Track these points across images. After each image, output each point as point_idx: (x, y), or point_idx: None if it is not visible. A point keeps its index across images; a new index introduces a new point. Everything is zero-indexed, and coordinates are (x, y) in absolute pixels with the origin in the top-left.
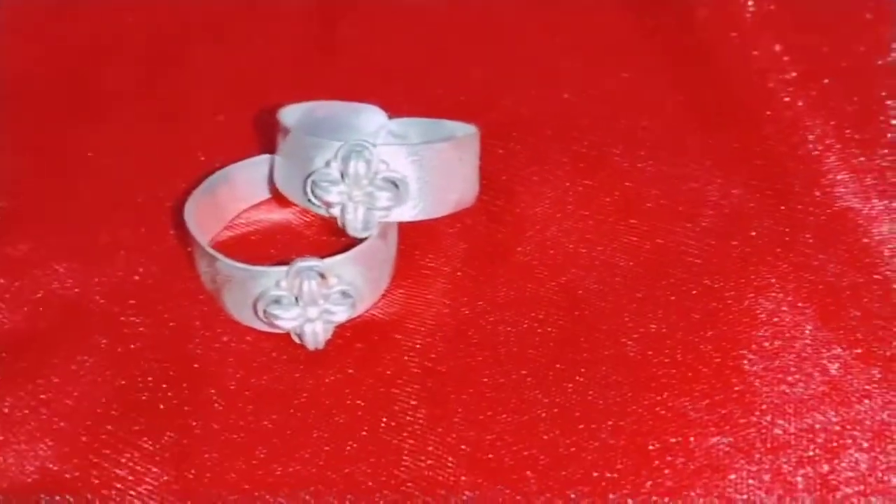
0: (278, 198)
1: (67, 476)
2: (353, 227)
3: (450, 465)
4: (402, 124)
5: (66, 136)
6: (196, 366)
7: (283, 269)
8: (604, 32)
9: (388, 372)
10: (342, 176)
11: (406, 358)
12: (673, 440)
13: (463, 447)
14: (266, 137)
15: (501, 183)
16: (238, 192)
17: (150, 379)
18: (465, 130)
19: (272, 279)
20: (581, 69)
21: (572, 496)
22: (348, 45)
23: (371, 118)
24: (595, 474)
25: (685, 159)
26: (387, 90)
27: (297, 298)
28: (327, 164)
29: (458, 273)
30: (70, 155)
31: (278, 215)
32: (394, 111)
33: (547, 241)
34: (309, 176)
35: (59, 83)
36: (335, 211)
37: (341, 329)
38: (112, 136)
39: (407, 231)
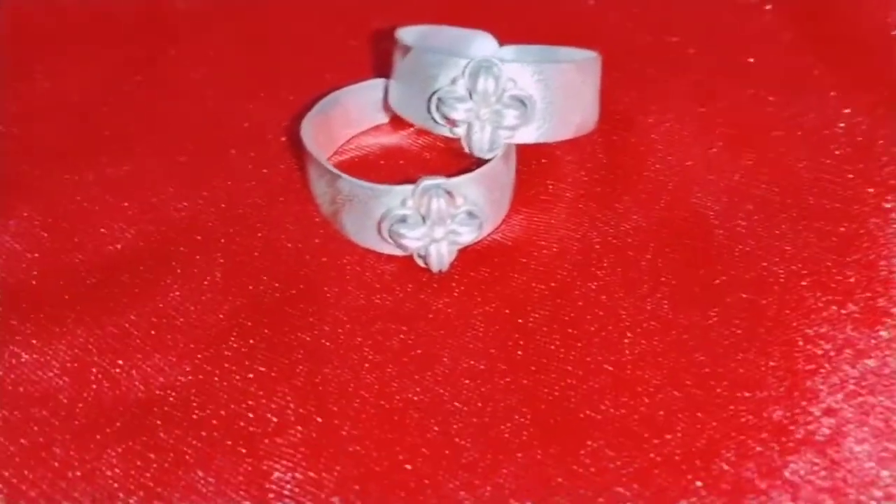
0: (394, 122)
1: (194, 392)
2: (479, 147)
3: (595, 387)
4: (514, 51)
5: (165, 58)
6: (316, 287)
7: (409, 187)
8: None
9: (519, 295)
10: (469, 94)
11: (534, 282)
12: (820, 353)
13: (607, 367)
14: (379, 60)
15: (618, 111)
16: (350, 115)
17: (270, 297)
18: (584, 55)
19: (397, 198)
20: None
21: (724, 415)
22: None
23: (483, 45)
24: (746, 394)
25: (807, 90)
26: (495, 18)
27: (423, 218)
28: (453, 81)
29: (580, 199)
30: (172, 77)
31: (388, 139)
32: (504, 40)
33: (670, 168)
34: (434, 94)
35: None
36: (460, 130)
37: (463, 252)
38: (214, 58)
39: (524, 157)
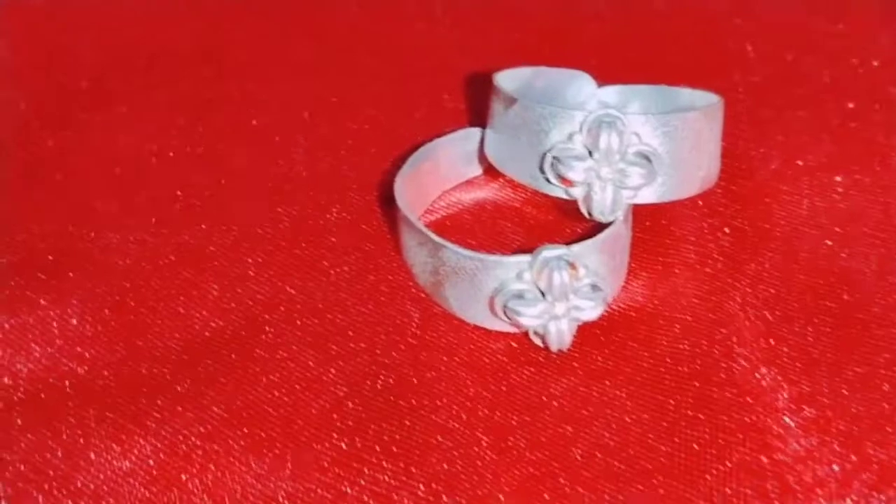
0: (488, 173)
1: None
2: (600, 210)
3: (747, 493)
4: (617, 92)
5: (230, 105)
6: (422, 372)
7: (525, 258)
8: None
9: (653, 379)
10: (589, 151)
11: (668, 360)
12: None
13: (763, 465)
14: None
15: (735, 156)
16: (440, 169)
17: (371, 386)
18: (704, 98)
19: (512, 270)
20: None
21: None
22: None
23: (582, 87)
24: None
25: None
26: (583, 53)
27: (542, 292)
28: (569, 137)
29: (706, 261)
30: (227, 126)
31: (484, 194)
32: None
33: (804, 222)
34: (547, 152)
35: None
36: (577, 191)
37: (582, 328)
38: (285, 108)
39: (639, 212)
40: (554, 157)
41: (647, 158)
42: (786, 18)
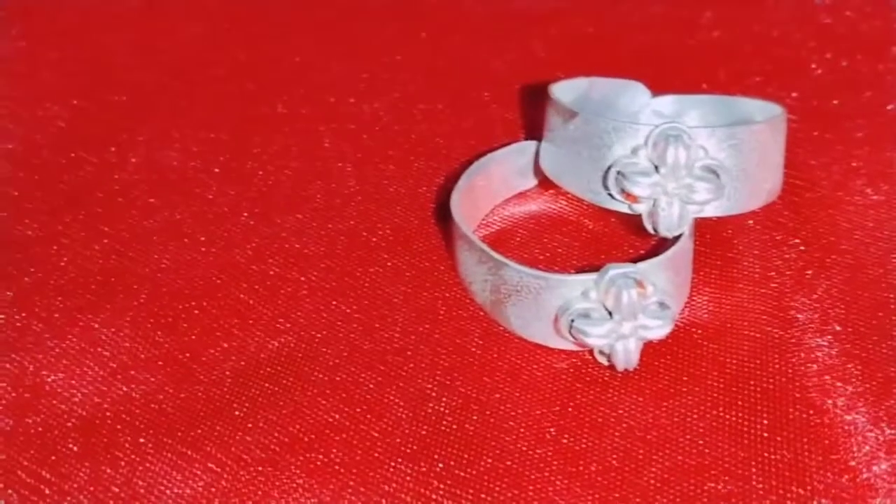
0: (543, 186)
1: None
2: (667, 226)
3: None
4: (673, 102)
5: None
6: (486, 394)
7: (590, 277)
8: None
9: (724, 396)
10: (655, 166)
11: (739, 378)
12: None
13: (844, 481)
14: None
15: (795, 166)
16: (493, 184)
17: (434, 409)
18: (766, 109)
19: (577, 289)
20: (857, 31)
21: None
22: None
23: (636, 96)
24: None
25: None
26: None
27: (609, 311)
28: (633, 151)
29: (772, 275)
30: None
31: (538, 206)
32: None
33: (871, 234)
34: (611, 166)
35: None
36: (642, 207)
37: (647, 346)
38: (340, 121)
39: (699, 225)
40: (618, 172)
41: (715, 173)
42: (842, 25)
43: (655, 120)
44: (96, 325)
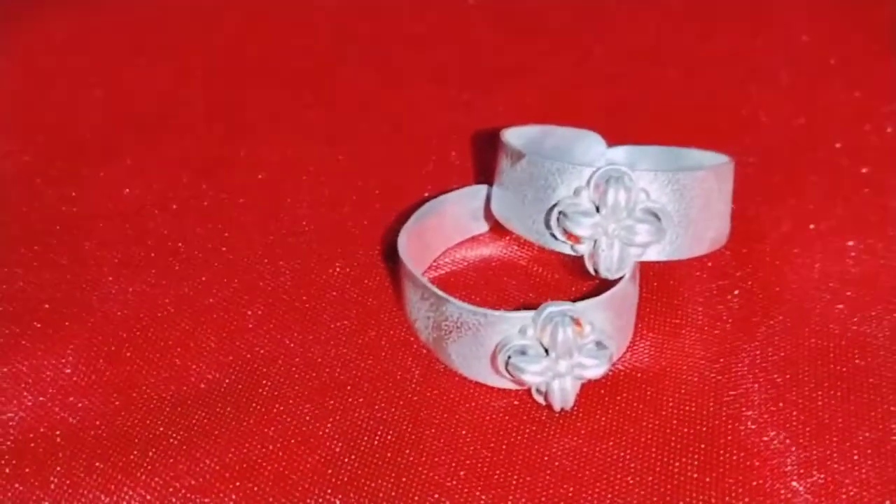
0: (494, 231)
1: None
2: (607, 267)
3: None
4: (626, 152)
5: (237, 161)
6: (421, 429)
7: (528, 314)
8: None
9: (658, 439)
10: (596, 207)
11: (674, 422)
12: None
13: None
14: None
15: (746, 218)
16: (446, 226)
17: (368, 442)
18: (714, 159)
19: (515, 326)
20: (815, 91)
21: None
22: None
23: (591, 146)
24: None
25: None
26: (592, 113)
27: (546, 349)
28: (576, 192)
29: (715, 322)
30: (243, 182)
31: (489, 251)
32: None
33: (816, 286)
34: (553, 206)
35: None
36: (583, 248)
37: (585, 387)
38: (294, 161)
39: (646, 271)
40: (560, 213)
41: (656, 216)
42: (799, 85)
43: None
44: (39, 353)
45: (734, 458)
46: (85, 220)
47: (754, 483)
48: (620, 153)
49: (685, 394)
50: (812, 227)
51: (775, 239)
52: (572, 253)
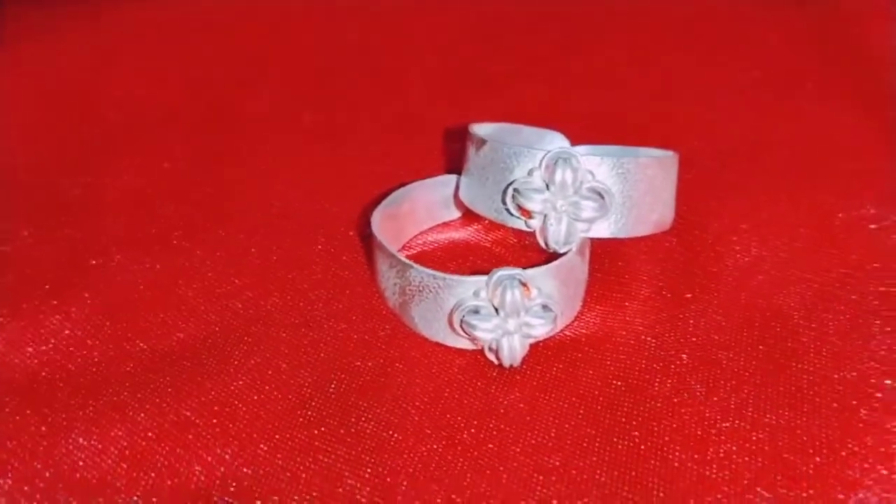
0: (464, 218)
1: (255, 483)
2: (555, 239)
3: (679, 486)
4: (588, 150)
5: (235, 153)
6: (383, 379)
7: (482, 278)
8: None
9: (594, 392)
10: (546, 185)
11: (609, 378)
12: None
13: (691, 466)
14: (448, 158)
15: (695, 210)
16: (418, 211)
17: (336, 389)
18: (662, 153)
19: (470, 289)
20: (770, 101)
21: None
22: (519, 73)
23: (554, 144)
24: (840, 496)
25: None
26: (566, 118)
27: (496, 309)
28: (530, 172)
29: (656, 296)
30: (242, 171)
31: (458, 235)
32: (576, 141)
33: (749, 268)
34: (509, 185)
35: (220, 111)
36: (535, 222)
37: (535, 348)
38: (284, 153)
39: (599, 254)
40: (515, 190)
41: (601, 195)
42: (758, 97)
43: None
44: (46, 310)
45: (660, 406)
46: (94, 202)
47: (675, 425)
48: (583, 150)
49: (622, 355)
50: (750, 221)
51: (718, 229)
52: (526, 228)
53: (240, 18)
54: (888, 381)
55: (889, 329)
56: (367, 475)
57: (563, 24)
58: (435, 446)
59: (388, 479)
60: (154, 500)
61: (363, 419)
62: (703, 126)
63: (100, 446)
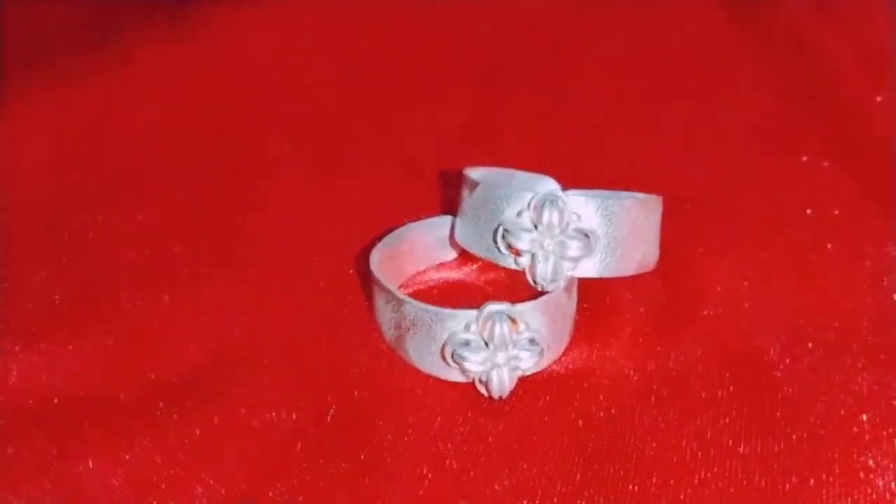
0: (461, 259)
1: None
2: (543, 277)
3: None
4: (577, 195)
5: (241, 193)
6: (379, 409)
7: (473, 312)
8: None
9: (578, 422)
10: (535, 225)
11: (593, 408)
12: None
13: (667, 490)
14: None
15: (678, 254)
16: (416, 251)
17: (334, 416)
18: (649, 196)
19: (461, 322)
20: (753, 148)
21: None
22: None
23: (546, 188)
24: None
25: (864, 240)
26: (558, 164)
27: (486, 343)
28: (519, 213)
29: (640, 334)
30: (247, 211)
31: (453, 275)
32: (568, 185)
33: (728, 309)
34: (500, 225)
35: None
36: (524, 260)
37: (524, 381)
38: (287, 193)
39: (587, 295)
40: (505, 230)
41: (586, 235)
42: (737, 142)
43: None
44: (57, 344)
45: (640, 435)
46: (108, 239)
47: (653, 454)
48: (571, 195)
49: (605, 387)
50: (735, 262)
51: (701, 270)
52: (516, 266)
53: (247, 60)
54: (864, 416)
55: (860, 365)
56: (359, 498)
57: (556, 71)
58: (424, 472)
59: (380, 503)
60: None
61: (358, 446)
62: (689, 171)
63: (108, 468)
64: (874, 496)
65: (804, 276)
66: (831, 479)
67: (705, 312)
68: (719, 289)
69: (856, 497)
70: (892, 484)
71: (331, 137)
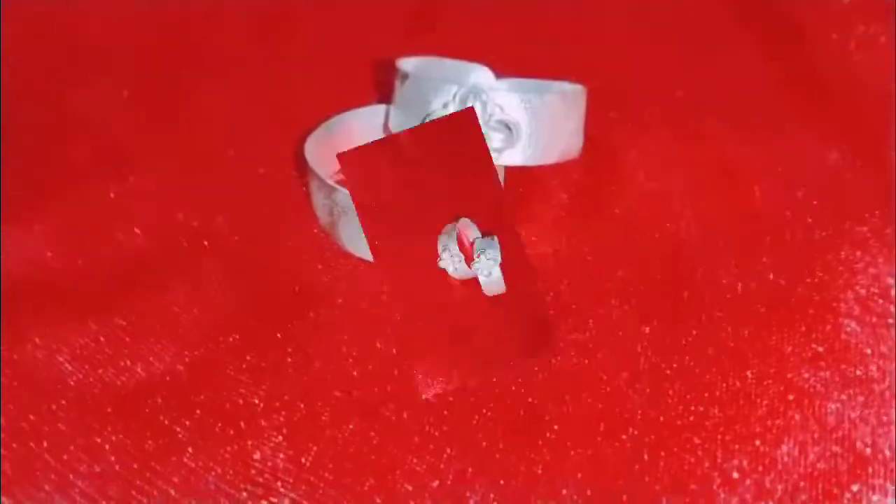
0: None
1: (189, 379)
2: None
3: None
4: (508, 83)
5: (188, 84)
6: (310, 291)
7: None
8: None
9: None
10: None
11: None
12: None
13: (574, 361)
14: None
15: (604, 143)
16: (353, 138)
17: (267, 298)
18: (572, 88)
19: None
20: (680, 50)
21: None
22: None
23: (479, 77)
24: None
25: (783, 132)
26: (494, 52)
27: None
28: (444, 105)
29: (560, 219)
30: (186, 105)
31: None
32: (502, 73)
33: (647, 196)
34: (427, 116)
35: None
36: None
37: None
38: (232, 84)
39: (515, 180)
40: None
41: (508, 127)
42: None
43: None
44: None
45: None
46: (57, 130)
47: (563, 336)
48: (503, 83)
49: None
50: (653, 155)
51: (623, 160)
52: None
53: None
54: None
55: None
56: (288, 374)
57: None
58: (349, 350)
59: (306, 378)
60: (101, 392)
61: (289, 326)
62: (626, 64)
63: (54, 347)
64: (774, 370)
65: (726, 169)
66: (737, 356)
67: (623, 200)
68: (640, 178)
69: (755, 371)
70: (789, 350)
71: (271, 28)
